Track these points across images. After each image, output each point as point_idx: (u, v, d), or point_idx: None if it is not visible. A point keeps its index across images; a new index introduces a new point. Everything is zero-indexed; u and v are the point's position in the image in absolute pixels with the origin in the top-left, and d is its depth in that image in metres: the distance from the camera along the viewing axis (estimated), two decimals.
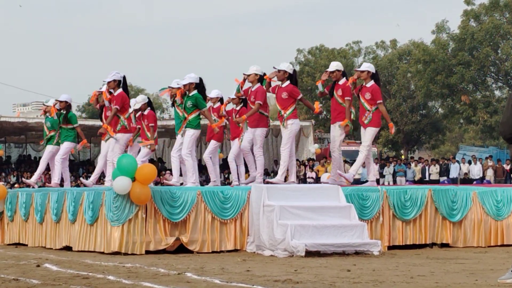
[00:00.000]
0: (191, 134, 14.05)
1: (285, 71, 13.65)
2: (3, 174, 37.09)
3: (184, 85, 14.07)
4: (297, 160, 36.35)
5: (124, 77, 14.88)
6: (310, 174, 35.07)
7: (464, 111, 48.39)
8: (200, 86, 14.10)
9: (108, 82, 14.80)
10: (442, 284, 7.99)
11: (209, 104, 15.43)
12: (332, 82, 14.03)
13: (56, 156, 16.19)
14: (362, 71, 13.77)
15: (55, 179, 16.23)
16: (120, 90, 14.75)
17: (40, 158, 46.89)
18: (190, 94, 14.06)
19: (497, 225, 14.16)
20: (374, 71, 13.83)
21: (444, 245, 13.79)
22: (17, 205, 15.88)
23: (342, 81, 13.77)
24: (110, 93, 14.82)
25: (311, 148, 34.25)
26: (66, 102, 16.06)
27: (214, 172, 15.38)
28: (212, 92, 15.84)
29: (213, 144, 15.69)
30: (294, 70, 13.86)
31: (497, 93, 50.65)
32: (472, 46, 47.47)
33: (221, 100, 15.88)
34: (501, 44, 47.36)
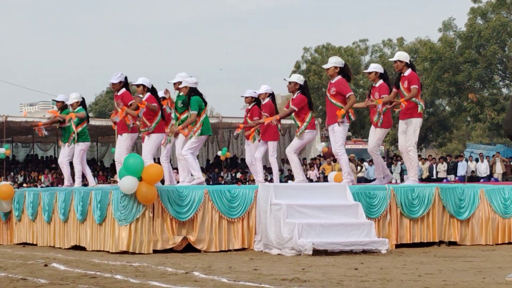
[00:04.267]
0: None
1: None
2: (11, 173, 37.18)
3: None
4: (303, 158, 36.44)
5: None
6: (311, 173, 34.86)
7: (471, 109, 48.30)
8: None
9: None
10: (450, 282, 7.98)
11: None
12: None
13: (73, 159, 16.12)
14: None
15: (90, 180, 15.96)
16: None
17: (47, 158, 46.93)
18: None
19: (504, 223, 14.14)
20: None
21: (452, 243, 13.77)
22: (25, 205, 15.90)
23: (378, 83, 13.76)
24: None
25: (318, 147, 34.23)
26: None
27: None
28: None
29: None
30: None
31: (504, 90, 50.55)
32: (479, 44, 47.38)
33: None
34: (508, 41, 47.22)
